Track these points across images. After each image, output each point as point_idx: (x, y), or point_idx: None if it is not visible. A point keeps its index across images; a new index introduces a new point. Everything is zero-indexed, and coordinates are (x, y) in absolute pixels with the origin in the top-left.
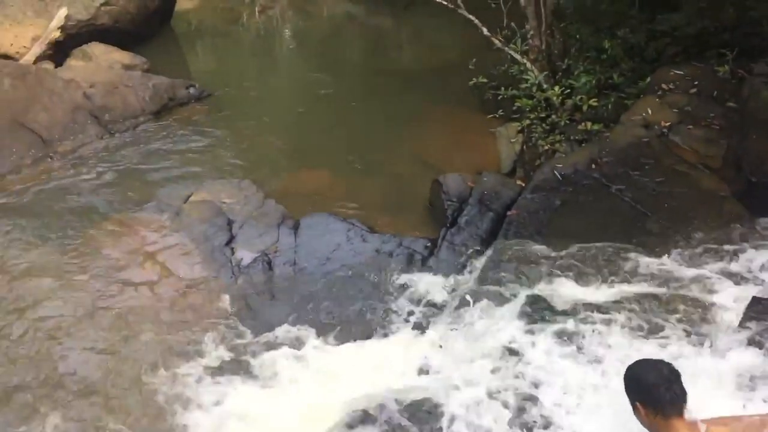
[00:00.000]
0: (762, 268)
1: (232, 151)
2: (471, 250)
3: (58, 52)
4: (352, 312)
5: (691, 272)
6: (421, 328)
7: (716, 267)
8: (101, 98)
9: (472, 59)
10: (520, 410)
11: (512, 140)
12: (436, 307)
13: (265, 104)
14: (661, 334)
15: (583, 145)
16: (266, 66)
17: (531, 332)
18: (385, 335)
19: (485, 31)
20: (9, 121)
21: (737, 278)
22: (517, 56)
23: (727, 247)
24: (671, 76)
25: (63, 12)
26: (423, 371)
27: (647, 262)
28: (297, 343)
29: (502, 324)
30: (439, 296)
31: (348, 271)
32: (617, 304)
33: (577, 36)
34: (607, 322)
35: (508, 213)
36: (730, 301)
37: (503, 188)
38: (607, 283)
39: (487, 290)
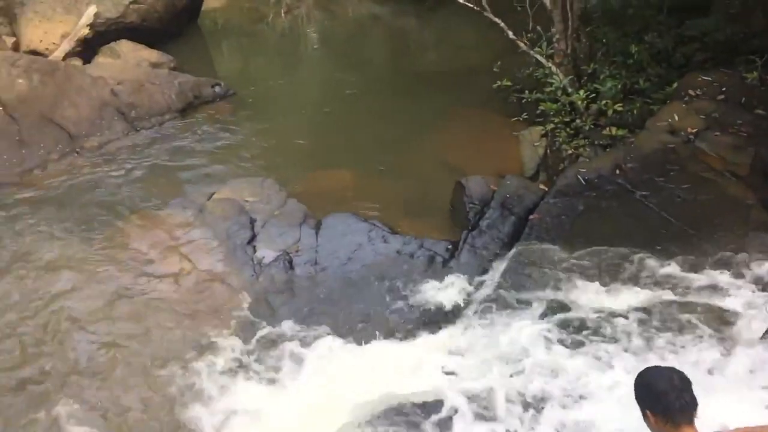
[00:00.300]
0: None
1: (256, 149)
2: (492, 254)
3: (87, 49)
4: (371, 313)
5: (714, 280)
6: (440, 330)
7: (741, 275)
8: (128, 95)
9: (496, 62)
10: (537, 412)
11: (536, 144)
12: (456, 310)
13: (290, 104)
14: (681, 341)
15: (608, 150)
16: (291, 66)
17: (550, 337)
18: (404, 337)
19: (510, 34)
20: (37, 116)
21: (762, 287)
22: (542, 60)
23: (753, 255)
24: (699, 82)
25: (92, 9)
26: (441, 373)
27: (670, 269)
28: (315, 343)
29: (522, 327)
30: (459, 299)
31: (369, 272)
32: (638, 311)
33: (604, 40)
34: (627, 328)
35: (531, 217)
36: (753, 310)
37: (526, 192)
38: (628, 289)
39: (507, 294)
